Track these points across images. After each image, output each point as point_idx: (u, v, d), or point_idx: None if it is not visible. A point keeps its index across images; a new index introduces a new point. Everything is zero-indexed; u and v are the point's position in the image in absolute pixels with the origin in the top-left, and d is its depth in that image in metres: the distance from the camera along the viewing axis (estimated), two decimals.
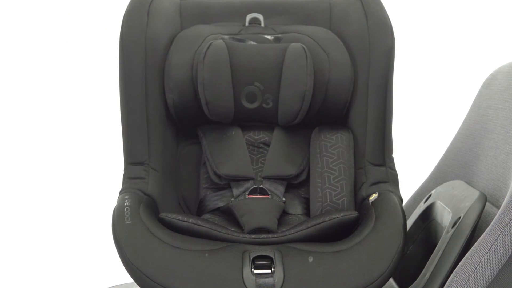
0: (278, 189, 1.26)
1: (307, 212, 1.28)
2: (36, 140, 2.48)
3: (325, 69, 1.28)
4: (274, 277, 1.05)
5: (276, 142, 1.29)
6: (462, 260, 1.01)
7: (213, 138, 1.29)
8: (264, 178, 1.26)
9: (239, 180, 1.26)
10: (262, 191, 1.24)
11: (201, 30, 1.32)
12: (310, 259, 1.08)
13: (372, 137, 1.29)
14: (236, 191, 1.25)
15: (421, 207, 1.32)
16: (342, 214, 1.16)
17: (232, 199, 1.24)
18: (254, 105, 1.28)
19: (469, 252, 1.00)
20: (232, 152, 1.27)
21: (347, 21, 1.34)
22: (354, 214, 1.17)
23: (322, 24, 1.36)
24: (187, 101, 1.27)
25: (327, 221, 1.14)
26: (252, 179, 1.26)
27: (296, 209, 1.28)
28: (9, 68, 2.36)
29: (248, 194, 1.23)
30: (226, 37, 1.31)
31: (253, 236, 1.14)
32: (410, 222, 1.31)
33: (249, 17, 1.35)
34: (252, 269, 1.06)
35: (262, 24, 1.35)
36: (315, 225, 1.14)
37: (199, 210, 1.29)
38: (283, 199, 1.25)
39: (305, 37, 1.31)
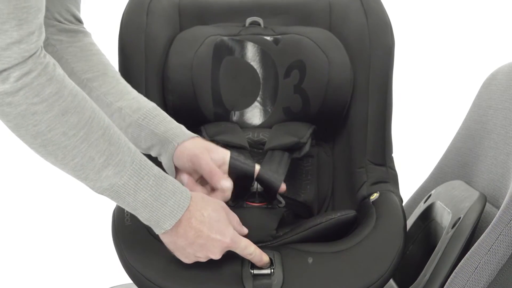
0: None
1: (305, 215, 1.28)
2: None
3: (324, 71, 1.28)
4: (273, 278, 1.05)
5: (271, 142, 1.27)
6: (462, 261, 1.01)
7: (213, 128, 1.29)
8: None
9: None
10: (260, 195, 1.22)
11: (201, 31, 1.32)
12: (310, 260, 1.08)
13: (373, 136, 1.29)
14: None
15: (421, 207, 1.31)
16: (339, 214, 1.15)
17: (230, 202, 1.22)
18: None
19: (468, 253, 1.00)
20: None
21: (347, 20, 1.34)
22: (352, 213, 1.17)
23: (322, 24, 1.35)
24: (187, 102, 1.27)
25: (324, 222, 1.14)
26: (246, 148, 1.23)
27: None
28: None
29: (246, 201, 1.21)
30: (225, 38, 1.31)
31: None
32: (410, 222, 1.30)
33: (249, 20, 1.35)
34: (251, 271, 1.06)
35: (262, 25, 1.35)
36: (313, 227, 1.14)
37: None
38: (282, 202, 1.23)
39: (304, 39, 1.31)
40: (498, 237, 0.98)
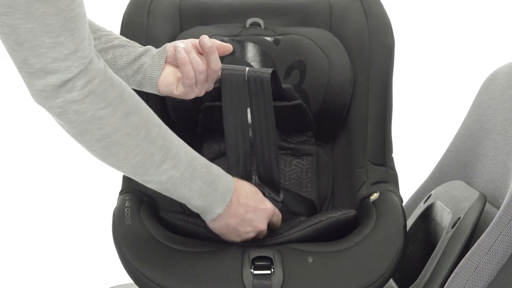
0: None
1: (308, 213, 1.28)
2: (36, 141, 2.48)
3: (325, 71, 1.29)
4: (273, 278, 1.05)
5: None
6: (462, 261, 1.01)
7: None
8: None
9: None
10: (259, 186, 1.22)
11: (201, 31, 1.31)
12: (310, 260, 1.08)
13: (373, 136, 1.29)
14: None
15: (421, 207, 1.32)
16: (339, 213, 1.16)
17: None
18: None
19: (468, 253, 1.00)
20: None
21: (347, 21, 1.34)
22: (352, 212, 1.17)
23: (322, 25, 1.35)
24: (186, 103, 1.27)
25: (324, 220, 1.15)
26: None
27: (296, 209, 1.28)
28: (8, 69, 2.36)
29: None
30: (226, 38, 1.31)
31: None
32: (410, 222, 1.31)
33: (249, 21, 1.35)
34: (252, 270, 1.06)
35: (262, 26, 1.35)
36: (312, 225, 1.14)
37: None
38: (281, 197, 1.24)
39: (305, 39, 1.31)
40: (498, 237, 0.98)
